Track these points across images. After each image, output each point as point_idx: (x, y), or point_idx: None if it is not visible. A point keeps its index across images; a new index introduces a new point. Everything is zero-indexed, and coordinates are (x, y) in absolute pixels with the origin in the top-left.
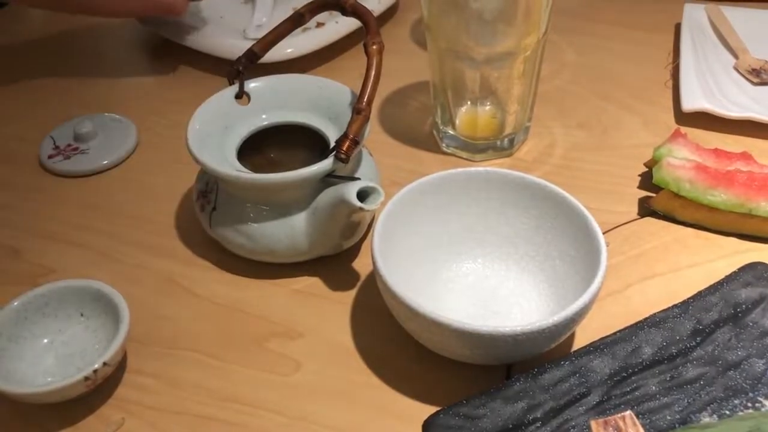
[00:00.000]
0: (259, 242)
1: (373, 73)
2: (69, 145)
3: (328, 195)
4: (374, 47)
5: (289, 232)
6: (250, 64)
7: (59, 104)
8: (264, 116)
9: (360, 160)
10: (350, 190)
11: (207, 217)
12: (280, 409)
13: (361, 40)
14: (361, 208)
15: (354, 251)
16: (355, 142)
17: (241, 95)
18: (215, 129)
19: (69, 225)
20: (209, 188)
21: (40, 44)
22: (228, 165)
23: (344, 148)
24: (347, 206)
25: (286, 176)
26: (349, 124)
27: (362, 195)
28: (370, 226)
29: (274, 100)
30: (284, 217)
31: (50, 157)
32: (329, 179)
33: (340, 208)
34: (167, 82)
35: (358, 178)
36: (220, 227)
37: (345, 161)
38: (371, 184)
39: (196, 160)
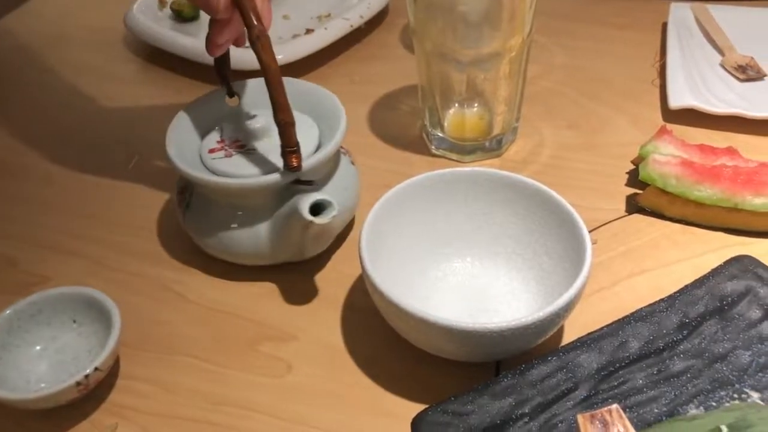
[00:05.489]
0: (224, 242)
1: (266, 74)
2: None
3: (287, 204)
4: (255, 37)
5: (253, 236)
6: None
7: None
8: (254, 113)
9: (337, 165)
10: (303, 203)
11: (182, 214)
12: (273, 412)
13: (351, 46)
14: (311, 222)
15: (345, 253)
16: (295, 152)
17: (231, 94)
18: (202, 128)
19: (65, 234)
20: (186, 186)
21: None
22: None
23: (289, 161)
24: (299, 218)
25: (239, 182)
26: (281, 137)
27: (319, 207)
28: (350, 232)
29: (264, 99)
30: (250, 221)
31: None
32: (295, 187)
33: (294, 219)
34: (160, 91)
35: (314, 187)
36: (192, 224)
37: (296, 170)
38: (326, 198)
39: (167, 156)
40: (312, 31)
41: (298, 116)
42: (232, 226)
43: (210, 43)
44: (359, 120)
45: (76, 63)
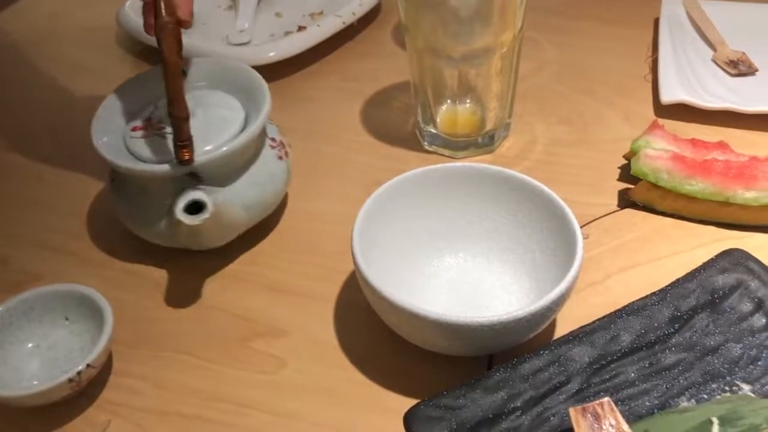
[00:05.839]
0: (130, 217)
1: (163, 67)
2: None
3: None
4: (159, 28)
5: (157, 219)
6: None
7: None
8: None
9: (254, 159)
10: (180, 200)
11: (109, 187)
12: (266, 407)
13: (343, 44)
14: (179, 221)
15: (337, 249)
16: (186, 146)
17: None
18: (145, 102)
19: (57, 232)
20: None
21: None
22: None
23: (180, 155)
24: (173, 213)
25: (128, 166)
26: (173, 132)
27: (198, 205)
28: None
29: (214, 81)
30: (154, 205)
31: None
32: (189, 180)
33: (172, 213)
34: None
35: (197, 183)
36: (114, 197)
37: (187, 163)
38: (202, 199)
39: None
40: (304, 28)
41: (225, 100)
42: (139, 206)
43: (145, 23)
44: (352, 116)
45: (69, 61)
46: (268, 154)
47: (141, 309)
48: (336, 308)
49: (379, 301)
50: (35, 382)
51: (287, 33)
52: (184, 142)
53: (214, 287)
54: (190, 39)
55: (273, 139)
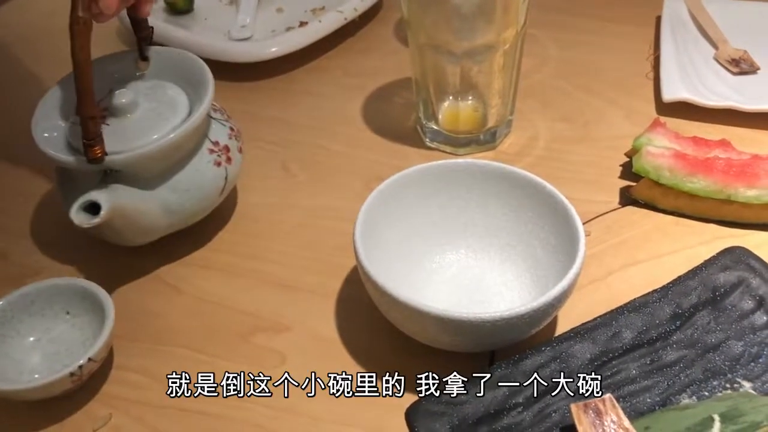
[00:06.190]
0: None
1: (73, 64)
2: None
3: None
4: (70, 23)
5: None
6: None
7: None
8: (144, 84)
9: (183, 163)
10: (81, 198)
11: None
12: (267, 402)
13: (345, 39)
14: (71, 220)
15: (338, 245)
16: (92, 144)
17: (144, 58)
18: (111, 83)
19: (58, 226)
20: None
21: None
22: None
23: (87, 153)
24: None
25: (51, 154)
26: (81, 129)
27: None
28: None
29: (177, 72)
30: (78, 193)
31: None
32: (106, 175)
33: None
34: None
35: (115, 181)
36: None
37: (94, 162)
38: (98, 201)
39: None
40: (306, 23)
41: (173, 95)
42: (68, 195)
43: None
44: (353, 112)
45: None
46: (202, 159)
47: (142, 303)
48: (337, 304)
49: (382, 297)
50: (36, 376)
51: (288, 28)
52: (89, 141)
53: (215, 282)
54: (191, 34)
55: (215, 143)
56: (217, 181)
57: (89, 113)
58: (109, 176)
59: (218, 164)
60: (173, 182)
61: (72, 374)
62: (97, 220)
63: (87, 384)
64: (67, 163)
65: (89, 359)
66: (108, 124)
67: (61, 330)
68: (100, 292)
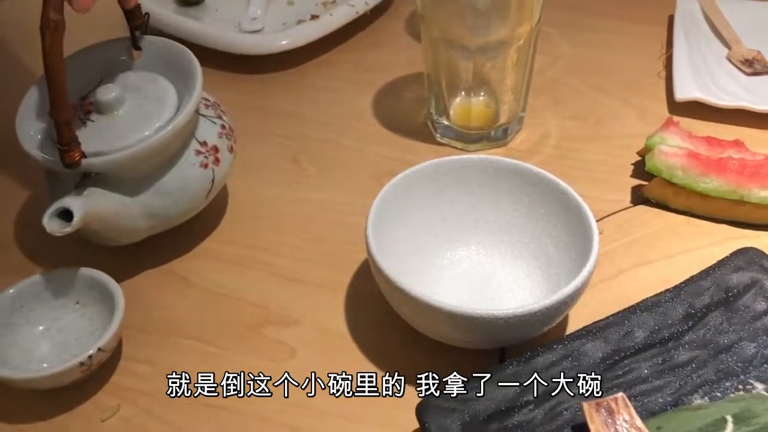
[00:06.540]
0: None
1: (44, 67)
2: None
3: None
4: (40, 24)
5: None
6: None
7: None
8: (133, 78)
9: (167, 167)
10: (54, 204)
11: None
12: (276, 395)
13: (356, 33)
14: (44, 226)
15: (348, 239)
16: (67, 150)
17: (136, 48)
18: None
19: None
20: None
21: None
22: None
23: (61, 158)
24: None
25: (32, 153)
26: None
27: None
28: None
29: (168, 63)
30: (60, 192)
31: None
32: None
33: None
34: None
35: (94, 183)
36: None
37: (69, 167)
38: (71, 209)
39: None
40: (317, 17)
41: (161, 91)
42: (53, 193)
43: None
44: (364, 107)
45: (76, 47)
46: (188, 160)
47: (152, 294)
48: (347, 298)
49: (393, 292)
50: (45, 365)
51: (300, 21)
52: (64, 146)
53: (226, 274)
54: (201, 26)
55: (203, 143)
56: (203, 184)
57: (63, 118)
58: (89, 179)
59: (205, 166)
60: (156, 185)
61: (81, 364)
62: (68, 229)
63: (96, 374)
64: (47, 163)
65: (99, 349)
66: (93, 121)
67: (71, 319)
68: (110, 282)
